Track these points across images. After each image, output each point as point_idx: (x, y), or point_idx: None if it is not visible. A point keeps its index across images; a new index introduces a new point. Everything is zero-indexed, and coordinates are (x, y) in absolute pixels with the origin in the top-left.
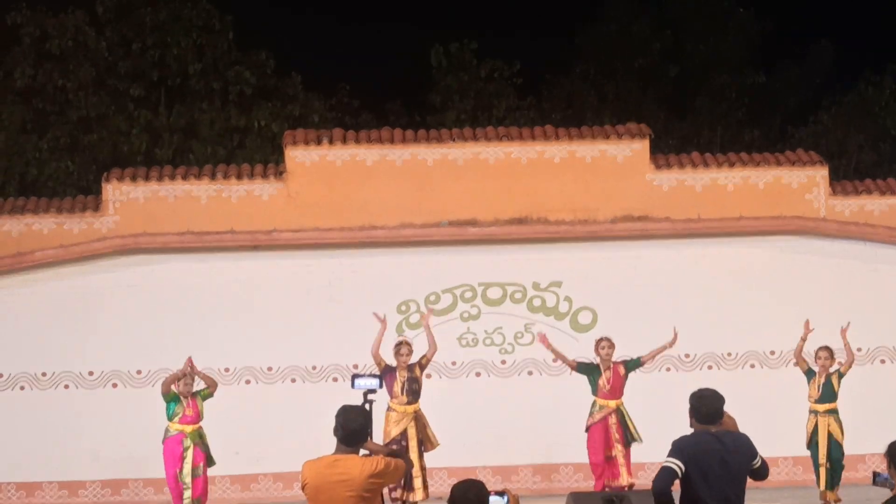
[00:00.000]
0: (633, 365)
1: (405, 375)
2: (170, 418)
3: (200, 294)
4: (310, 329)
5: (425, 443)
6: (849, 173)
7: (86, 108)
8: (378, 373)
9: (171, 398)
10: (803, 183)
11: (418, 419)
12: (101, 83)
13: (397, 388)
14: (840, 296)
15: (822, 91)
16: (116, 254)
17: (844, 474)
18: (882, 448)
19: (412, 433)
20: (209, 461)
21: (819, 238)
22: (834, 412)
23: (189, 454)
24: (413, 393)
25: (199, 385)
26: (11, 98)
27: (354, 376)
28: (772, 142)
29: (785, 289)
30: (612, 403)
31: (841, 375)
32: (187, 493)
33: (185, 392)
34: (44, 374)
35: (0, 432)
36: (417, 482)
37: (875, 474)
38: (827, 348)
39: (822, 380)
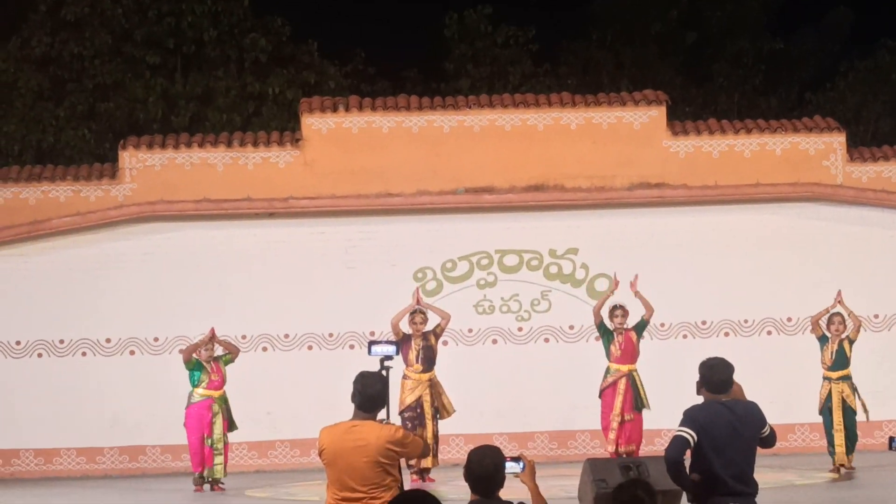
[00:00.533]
0: (641, 327)
1: (420, 343)
2: (195, 385)
3: (217, 261)
4: (326, 296)
5: (441, 410)
6: (866, 140)
7: (102, 75)
8: (395, 340)
9: (193, 366)
10: (820, 149)
11: (433, 387)
12: (117, 51)
13: (412, 356)
14: (857, 262)
15: (839, 58)
16: (133, 221)
17: (861, 440)
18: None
19: (427, 400)
20: (231, 426)
21: (836, 204)
22: (847, 378)
23: (218, 420)
24: (428, 361)
25: (219, 352)
26: (28, 66)
27: (371, 343)
28: (789, 108)
29: (802, 255)
30: (625, 368)
31: (851, 342)
32: (219, 459)
33: (206, 358)
34: (61, 342)
35: (18, 399)
36: (429, 449)
37: (892, 439)
38: (840, 314)
39: (835, 346)
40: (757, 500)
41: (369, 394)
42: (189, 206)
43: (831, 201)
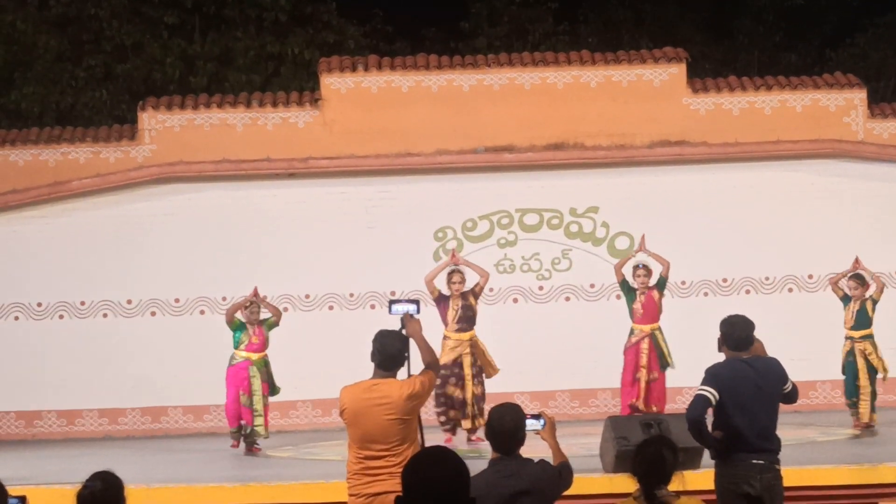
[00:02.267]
0: (661, 284)
1: (459, 303)
2: (235, 346)
3: (237, 222)
4: (347, 256)
5: (486, 368)
6: (887, 96)
7: (120, 36)
8: (415, 298)
9: (236, 326)
10: (841, 106)
11: (475, 346)
12: (135, 11)
13: (451, 315)
14: (878, 218)
15: (860, 13)
16: (153, 183)
17: (884, 397)
18: None
19: (467, 361)
20: (273, 389)
21: (857, 161)
22: (869, 337)
23: (257, 382)
24: (468, 320)
25: (264, 314)
26: (46, 27)
27: (392, 302)
28: (809, 65)
29: (823, 212)
30: (647, 328)
31: (875, 301)
32: (259, 420)
33: (251, 320)
34: (82, 303)
35: (40, 361)
36: (468, 409)
37: None
38: (858, 276)
39: (857, 306)
40: (779, 456)
41: (389, 352)
42: (209, 166)
43: (852, 158)
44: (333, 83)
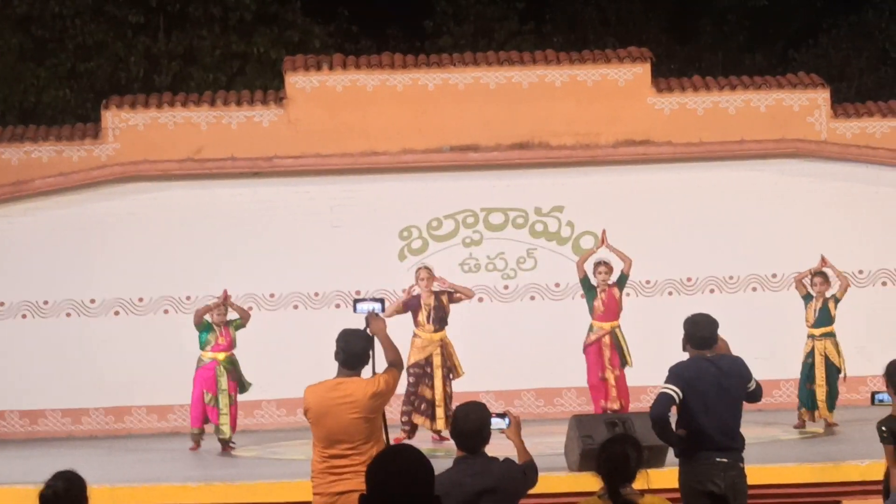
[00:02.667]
0: (622, 281)
1: (431, 303)
2: (202, 347)
3: (201, 221)
4: (311, 255)
5: (453, 370)
6: (850, 96)
7: (83, 35)
8: (380, 297)
9: (203, 328)
10: (805, 105)
11: (445, 346)
12: (99, 10)
13: (423, 316)
14: (841, 218)
15: (823, 14)
16: (116, 181)
17: (847, 395)
18: (881, 370)
19: (437, 361)
20: (242, 387)
21: (820, 160)
22: (831, 335)
23: (224, 381)
24: (440, 320)
25: (232, 315)
26: (9, 26)
27: (356, 301)
28: (773, 65)
29: (787, 212)
30: (608, 325)
31: (837, 300)
32: (224, 419)
33: (218, 321)
34: (45, 303)
35: (3, 361)
36: (440, 411)
37: (874, 394)
38: (822, 273)
39: (819, 304)
40: (743, 454)
41: (353, 351)
42: (173, 165)
43: (815, 157)
44: (298, 82)
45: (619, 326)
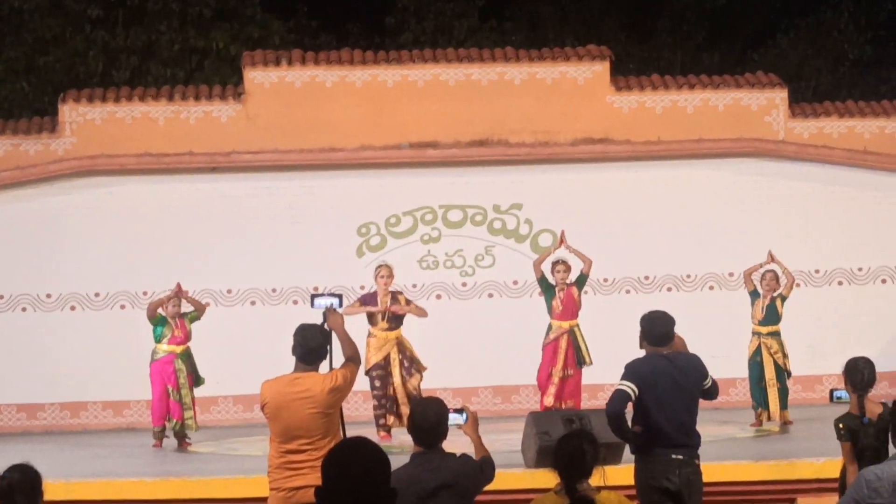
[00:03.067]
0: (581, 281)
1: (387, 302)
2: (157, 340)
3: (158, 216)
4: (269, 251)
5: (415, 365)
6: (808, 96)
7: (41, 29)
8: (338, 292)
9: (157, 321)
10: (763, 105)
11: (401, 344)
12: (57, 4)
13: (378, 314)
14: (798, 217)
15: (781, 14)
16: (73, 175)
17: (802, 394)
18: (838, 368)
19: (395, 359)
20: (197, 381)
21: (778, 160)
22: (776, 334)
23: (183, 375)
24: (396, 319)
25: (186, 308)
26: None
27: (314, 296)
28: (732, 65)
29: (744, 210)
30: (566, 325)
31: (784, 298)
32: (189, 413)
33: (172, 314)
34: (1, 297)
35: None
36: (404, 409)
37: (832, 392)
38: (773, 271)
39: (767, 302)
40: (699, 452)
41: (310, 346)
42: (130, 160)
43: (773, 157)
44: (257, 77)
45: (577, 325)
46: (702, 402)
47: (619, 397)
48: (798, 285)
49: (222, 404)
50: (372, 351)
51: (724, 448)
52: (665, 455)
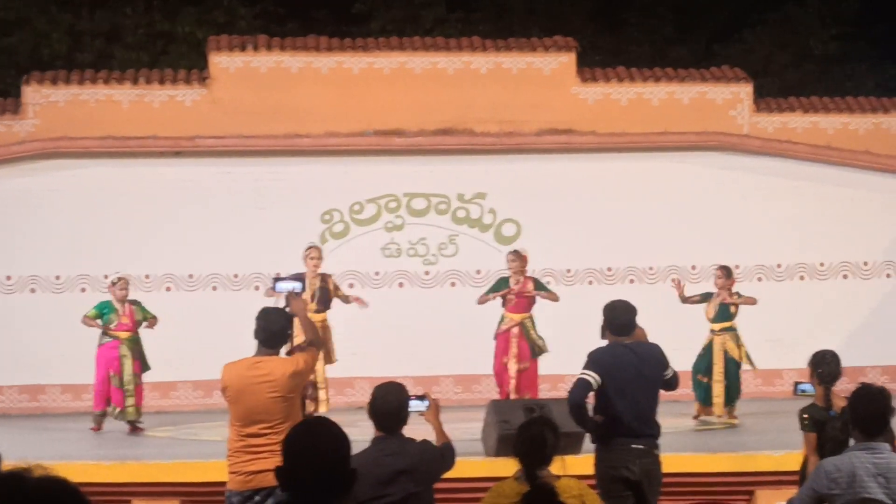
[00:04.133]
0: (539, 285)
1: (316, 284)
2: (105, 325)
3: (121, 200)
4: (232, 236)
5: (326, 356)
6: (773, 91)
7: (5, 10)
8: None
9: (102, 306)
10: (728, 99)
11: (325, 329)
12: None
13: (307, 296)
14: (761, 211)
15: (748, 9)
16: (36, 157)
17: (762, 388)
18: (798, 363)
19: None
20: (144, 367)
21: (742, 154)
22: (731, 330)
23: (128, 362)
24: (324, 302)
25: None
26: None
27: (276, 279)
28: (698, 59)
29: (708, 204)
30: (517, 317)
31: (739, 296)
32: (130, 400)
33: (120, 297)
34: None
35: None
36: (322, 394)
37: (797, 384)
38: (724, 267)
39: (719, 299)
40: (658, 442)
41: (272, 330)
42: (94, 143)
43: (737, 151)
44: (222, 62)
45: (529, 318)
46: (662, 394)
47: (581, 386)
48: (760, 279)
49: (181, 389)
50: (296, 332)
51: (684, 440)
52: (625, 444)
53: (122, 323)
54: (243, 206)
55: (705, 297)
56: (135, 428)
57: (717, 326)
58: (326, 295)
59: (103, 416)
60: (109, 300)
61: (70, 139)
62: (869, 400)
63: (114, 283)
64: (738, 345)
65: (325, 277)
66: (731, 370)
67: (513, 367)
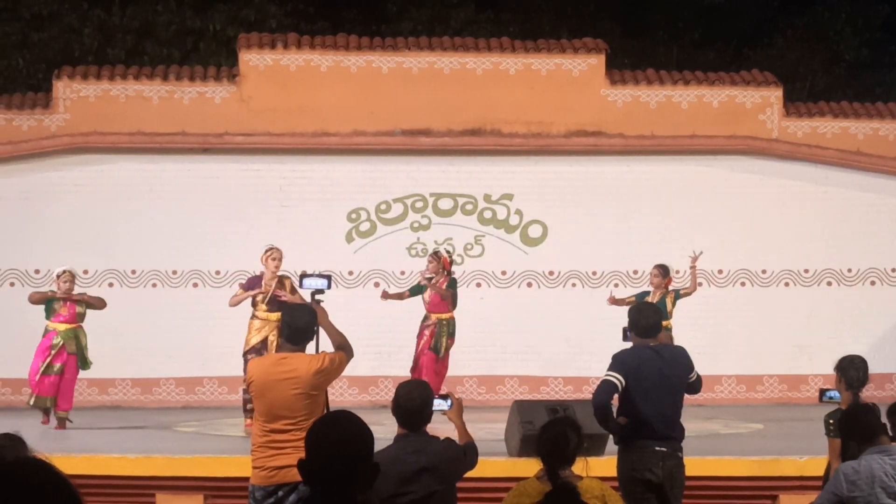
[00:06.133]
0: (451, 284)
1: (271, 285)
2: (47, 317)
3: (149, 195)
4: (258, 234)
5: None
6: (802, 96)
7: (38, 5)
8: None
9: (45, 299)
10: (757, 103)
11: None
12: None
13: (260, 296)
14: (789, 216)
15: (778, 13)
16: (65, 152)
17: (787, 393)
18: (824, 369)
19: (274, 342)
20: (83, 363)
21: (771, 158)
22: (666, 329)
23: (55, 353)
24: (277, 302)
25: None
26: None
27: (303, 276)
28: (727, 63)
29: (735, 207)
30: (445, 317)
31: (678, 296)
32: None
33: (65, 290)
34: None
35: None
36: None
37: (822, 391)
38: (661, 266)
39: (656, 298)
40: (682, 445)
41: (298, 326)
42: (123, 138)
43: (766, 155)
44: (252, 60)
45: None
46: (687, 399)
47: (605, 387)
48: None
49: (207, 385)
50: (252, 333)
51: (708, 443)
52: (649, 447)
53: (60, 314)
54: (270, 204)
55: (639, 298)
56: (61, 424)
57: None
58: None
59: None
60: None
61: (100, 134)
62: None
63: (58, 276)
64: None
65: (281, 280)
66: None
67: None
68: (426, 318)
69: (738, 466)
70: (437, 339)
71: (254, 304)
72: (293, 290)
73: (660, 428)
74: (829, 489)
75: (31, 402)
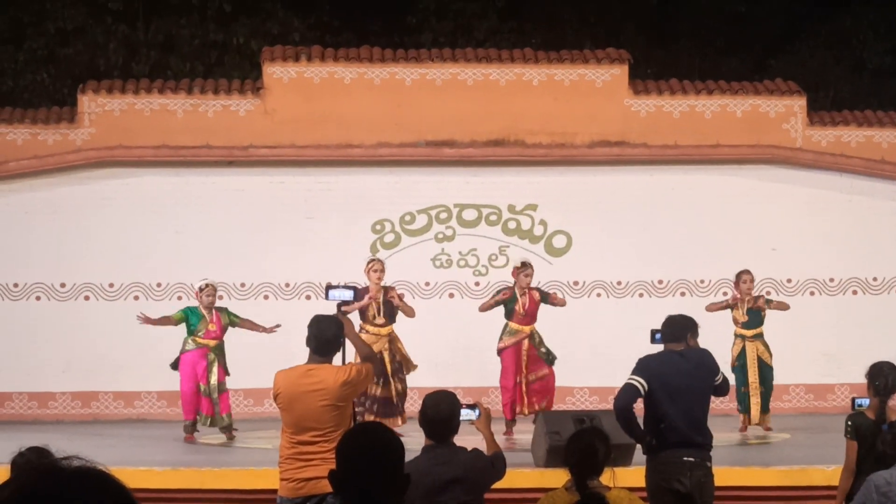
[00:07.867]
0: (545, 296)
1: (381, 297)
2: (191, 333)
3: (174, 208)
4: (284, 246)
5: (406, 364)
6: (826, 104)
7: (63, 20)
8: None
9: (191, 311)
10: (781, 112)
11: (393, 342)
12: None
13: (372, 310)
14: (814, 225)
15: (801, 22)
16: (90, 166)
17: (814, 403)
18: (851, 378)
19: (387, 357)
20: (225, 373)
21: (795, 168)
22: (760, 336)
23: (214, 369)
24: (389, 315)
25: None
26: None
27: (328, 287)
28: (751, 71)
29: (760, 217)
30: (527, 329)
31: (768, 302)
32: (217, 409)
33: (207, 304)
34: (15, 286)
35: None
36: (394, 408)
37: (854, 399)
38: (749, 272)
39: (749, 305)
40: (711, 454)
41: (325, 337)
42: (147, 151)
43: (790, 164)
44: (276, 72)
45: (535, 329)
46: (713, 408)
47: (626, 391)
48: (812, 293)
49: (233, 397)
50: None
51: (736, 453)
52: (677, 457)
53: (209, 331)
54: (295, 217)
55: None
56: (229, 434)
57: (750, 333)
58: (390, 308)
59: (194, 425)
60: (196, 306)
61: (125, 148)
62: None
63: (201, 290)
64: (769, 351)
65: (387, 290)
66: (766, 376)
67: (524, 381)
68: (510, 331)
69: (766, 476)
70: (545, 354)
71: (364, 319)
72: (400, 299)
73: (687, 432)
74: (859, 500)
75: (208, 424)
